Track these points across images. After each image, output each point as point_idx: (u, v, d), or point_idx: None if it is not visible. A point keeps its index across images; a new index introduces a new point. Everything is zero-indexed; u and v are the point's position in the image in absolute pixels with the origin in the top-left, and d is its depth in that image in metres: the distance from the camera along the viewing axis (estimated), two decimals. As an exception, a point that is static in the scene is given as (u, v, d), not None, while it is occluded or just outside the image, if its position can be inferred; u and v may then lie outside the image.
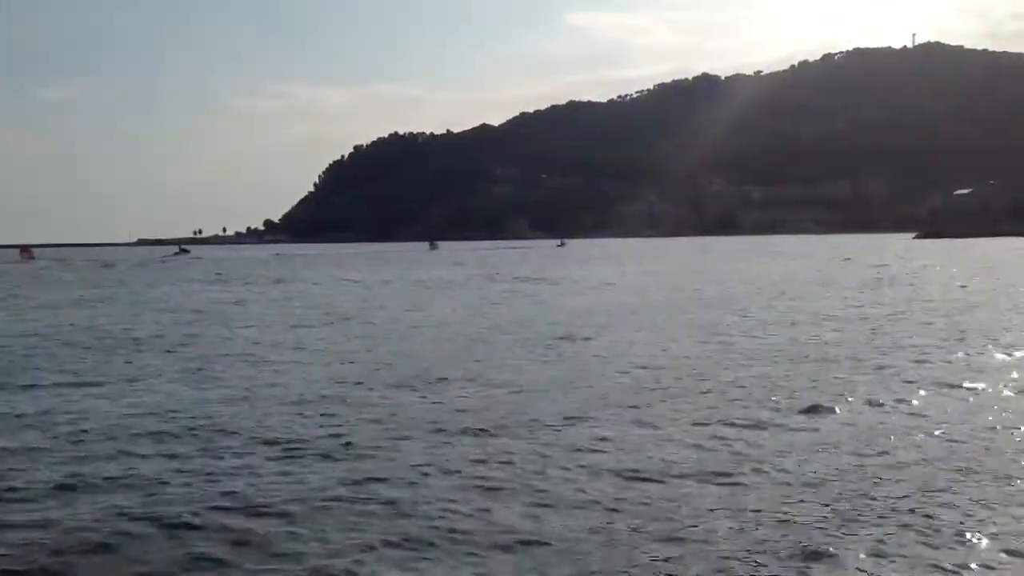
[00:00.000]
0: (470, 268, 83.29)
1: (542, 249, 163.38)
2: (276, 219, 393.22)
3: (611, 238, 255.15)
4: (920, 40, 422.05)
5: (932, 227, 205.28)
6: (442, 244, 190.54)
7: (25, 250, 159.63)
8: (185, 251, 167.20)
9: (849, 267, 71.21)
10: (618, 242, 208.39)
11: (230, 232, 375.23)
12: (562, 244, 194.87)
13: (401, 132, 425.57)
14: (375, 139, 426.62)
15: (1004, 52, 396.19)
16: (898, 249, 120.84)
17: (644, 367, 19.22)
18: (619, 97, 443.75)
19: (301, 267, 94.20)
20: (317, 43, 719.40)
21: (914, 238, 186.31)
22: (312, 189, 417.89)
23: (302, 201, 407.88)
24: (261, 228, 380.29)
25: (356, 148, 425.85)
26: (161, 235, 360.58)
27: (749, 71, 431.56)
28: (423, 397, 16.09)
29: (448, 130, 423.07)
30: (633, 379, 17.75)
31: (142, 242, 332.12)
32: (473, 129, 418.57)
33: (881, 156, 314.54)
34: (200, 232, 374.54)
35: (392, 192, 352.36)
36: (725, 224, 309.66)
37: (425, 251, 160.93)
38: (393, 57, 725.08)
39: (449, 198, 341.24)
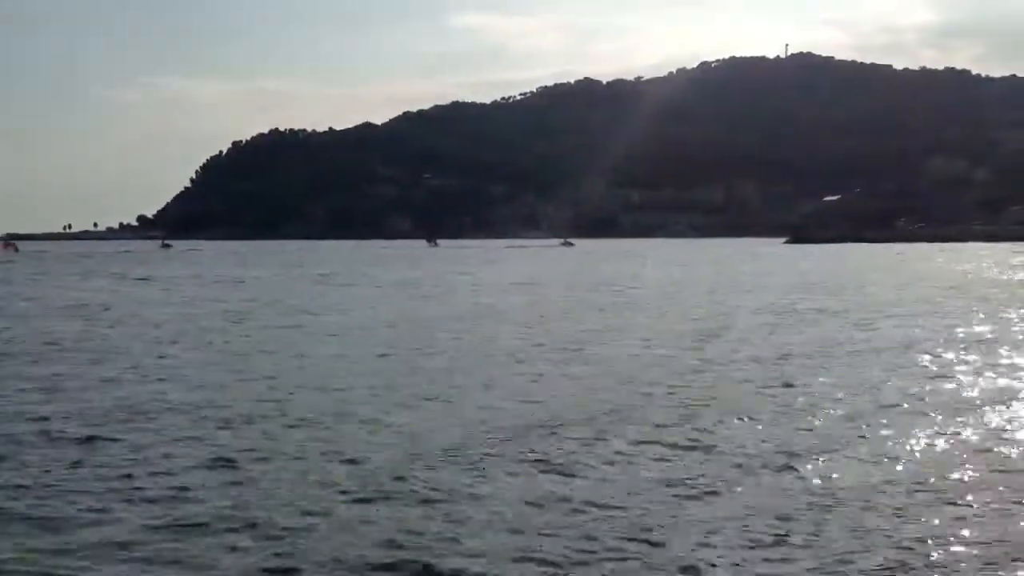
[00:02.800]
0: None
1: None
2: (150, 215, 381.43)
3: (492, 239, 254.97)
4: (793, 50, 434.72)
5: (802, 233, 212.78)
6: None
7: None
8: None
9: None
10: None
11: (102, 227, 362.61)
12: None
13: (282, 128, 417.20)
14: (255, 134, 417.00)
15: (872, 63, 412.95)
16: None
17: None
18: (502, 99, 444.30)
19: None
20: (193, 35, 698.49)
21: (784, 243, 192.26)
22: (188, 184, 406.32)
23: (177, 197, 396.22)
24: (134, 224, 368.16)
25: (235, 143, 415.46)
26: (29, 230, 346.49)
27: (629, 76, 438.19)
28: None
29: (330, 127, 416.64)
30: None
31: (10, 236, 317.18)
32: (356, 127, 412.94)
33: (754, 162, 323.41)
34: (70, 227, 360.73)
35: (272, 189, 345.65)
36: (605, 226, 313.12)
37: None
38: (275, 51, 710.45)
39: (331, 196, 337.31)
